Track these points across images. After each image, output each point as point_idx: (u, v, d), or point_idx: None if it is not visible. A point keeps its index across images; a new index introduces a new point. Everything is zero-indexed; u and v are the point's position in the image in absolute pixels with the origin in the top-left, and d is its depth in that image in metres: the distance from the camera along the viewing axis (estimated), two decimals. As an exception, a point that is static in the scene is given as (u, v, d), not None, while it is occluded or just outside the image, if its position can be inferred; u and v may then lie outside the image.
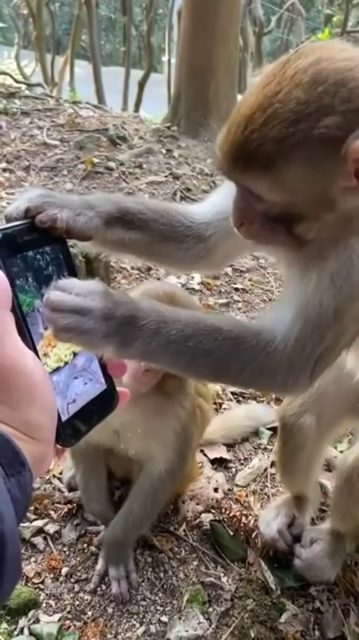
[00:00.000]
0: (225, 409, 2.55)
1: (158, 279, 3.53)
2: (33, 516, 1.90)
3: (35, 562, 1.78)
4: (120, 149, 5.60)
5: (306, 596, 1.80)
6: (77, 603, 1.69)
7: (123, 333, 0.89)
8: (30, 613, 1.63)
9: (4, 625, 1.59)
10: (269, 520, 1.89)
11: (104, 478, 1.92)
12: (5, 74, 10.07)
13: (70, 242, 0.90)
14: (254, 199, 0.99)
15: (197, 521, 1.97)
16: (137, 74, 13.52)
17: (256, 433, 2.41)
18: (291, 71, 0.90)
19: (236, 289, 3.66)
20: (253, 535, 1.90)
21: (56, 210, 0.90)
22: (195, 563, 1.84)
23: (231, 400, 2.61)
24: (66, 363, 0.78)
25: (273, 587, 1.77)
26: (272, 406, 2.55)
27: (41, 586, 1.72)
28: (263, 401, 2.64)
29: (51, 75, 13.34)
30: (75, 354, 0.81)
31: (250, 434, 2.40)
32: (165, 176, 5.18)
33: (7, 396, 0.65)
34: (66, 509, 1.93)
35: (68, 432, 0.75)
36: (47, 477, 2.06)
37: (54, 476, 2.07)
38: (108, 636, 1.61)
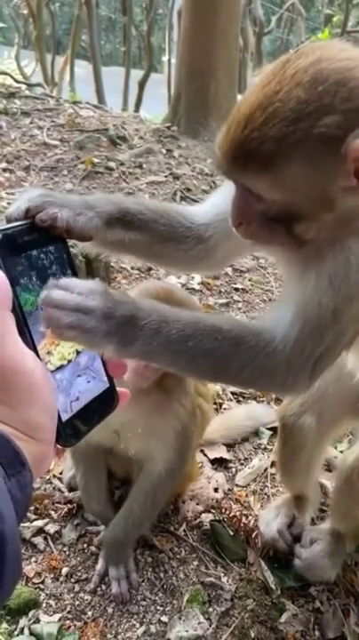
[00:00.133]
0: (225, 409, 2.55)
1: (158, 279, 3.53)
2: (33, 516, 1.90)
3: (36, 562, 1.78)
4: (120, 149, 5.60)
5: (306, 596, 1.80)
6: (77, 603, 1.69)
7: (124, 333, 0.89)
8: (30, 613, 1.63)
9: (5, 625, 1.60)
10: (269, 520, 1.89)
11: (104, 478, 1.92)
12: (5, 74, 10.07)
13: (70, 242, 0.90)
14: (253, 199, 0.99)
15: (197, 521, 1.97)
16: (137, 74, 13.52)
17: (256, 433, 2.42)
18: (291, 70, 0.90)
19: (236, 289, 3.66)
20: (253, 535, 1.90)
21: (56, 209, 0.90)
22: (196, 563, 1.84)
23: (231, 400, 2.61)
24: (69, 361, 0.78)
25: (273, 587, 1.77)
26: (272, 406, 2.55)
27: (41, 586, 1.72)
28: (263, 401, 2.64)
29: (51, 75, 13.34)
30: (78, 352, 0.81)
31: (250, 434, 2.40)
32: (165, 176, 5.18)
33: (7, 396, 0.65)
34: (66, 509, 1.93)
35: (69, 432, 0.75)
36: (47, 477, 2.06)
37: (54, 475, 2.07)
38: (108, 636, 1.61)
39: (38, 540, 1.83)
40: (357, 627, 1.72)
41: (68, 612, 1.66)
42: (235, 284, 3.73)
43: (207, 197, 1.33)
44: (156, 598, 1.74)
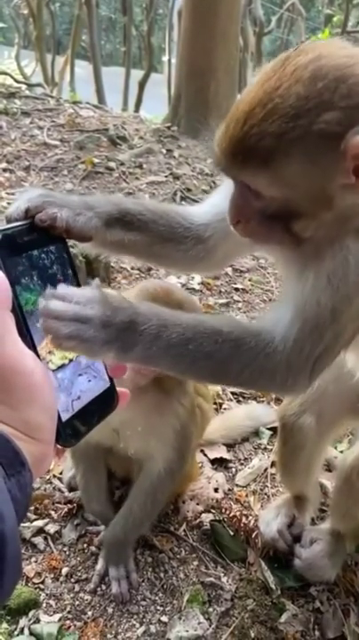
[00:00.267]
0: (225, 409, 2.55)
1: (158, 279, 3.53)
2: (33, 516, 1.91)
3: (36, 562, 1.78)
4: (120, 149, 5.60)
5: (306, 596, 1.80)
6: (77, 603, 1.69)
7: (123, 339, 0.89)
8: (30, 613, 1.63)
9: (5, 625, 1.60)
10: (269, 520, 1.89)
11: (104, 478, 1.92)
12: (6, 74, 10.07)
13: (70, 242, 0.91)
14: (252, 196, 0.98)
15: (197, 521, 1.97)
16: (137, 74, 13.51)
17: (256, 433, 2.42)
18: (290, 67, 0.90)
19: (236, 289, 3.66)
20: (253, 535, 1.90)
21: (56, 209, 0.90)
22: (196, 563, 1.84)
23: (231, 400, 2.61)
24: (70, 360, 0.79)
25: (273, 587, 1.77)
26: (272, 406, 2.55)
27: (41, 586, 1.72)
28: (263, 401, 2.64)
29: (51, 75, 13.33)
30: None
31: (250, 434, 2.40)
32: (165, 176, 5.18)
33: (7, 396, 0.65)
34: (66, 509, 1.93)
35: (69, 432, 0.75)
36: (47, 477, 2.06)
37: (54, 475, 2.08)
38: (108, 636, 1.61)
39: (38, 540, 1.83)
40: (357, 627, 1.72)
41: (68, 612, 1.66)
42: (235, 284, 3.73)
43: (206, 197, 1.33)
44: (156, 598, 1.74)
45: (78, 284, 0.85)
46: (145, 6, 15.72)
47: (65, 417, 0.74)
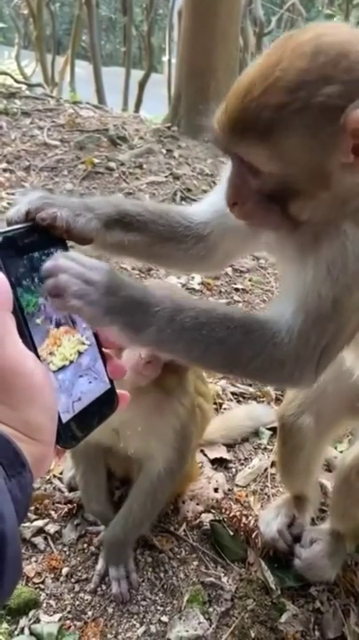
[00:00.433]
0: (225, 409, 2.55)
1: (159, 280, 3.53)
2: (33, 516, 1.91)
3: (36, 562, 1.78)
4: (120, 149, 5.60)
5: (306, 596, 1.80)
6: (78, 603, 1.70)
7: (132, 316, 0.89)
8: (31, 613, 1.63)
9: (5, 625, 1.60)
10: (269, 520, 1.89)
11: (104, 478, 1.92)
12: (6, 74, 10.05)
13: (70, 244, 0.91)
14: (250, 174, 0.98)
15: (197, 521, 1.97)
16: (137, 74, 13.50)
17: (256, 433, 2.42)
18: (292, 44, 0.91)
19: (236, 289, 3.66)
20: (253, 535, 1.90)
21: (56, 208, 0.90)
22: (196, 563, 1.85)
23: (231, 400, 2.61)
24: (71, 361, 0.79)
25: (273, 587, 1.77)
26: (272, 406, 2.55)
27: (41, 586, 1.72)
28: (263, 401, 2.64)
29: (51, 75, 13.32)
30: (80, 353, 0.81)
31: (250, 434, 2.41)
32: (166, 176, 5.18)
33: (7, 396, 0.65)
34: (66, 509, 1.93)
35: (69, 434, 0.75)
36: (47, 477, 2.06)
37: (54, 476, 2.08)
38: (108, 635, 1.61)
39: (38, 540, 1.83)
40: (357, 627, 1.73)
41: (68, 612, 1.66)
42: (236, 284, 3.73)
43: (205, 196, 1.33)
44: (156, 598, 1.74)
45: None
46: (145, 6, 15.71)
47: (65, 418, 0.75)
